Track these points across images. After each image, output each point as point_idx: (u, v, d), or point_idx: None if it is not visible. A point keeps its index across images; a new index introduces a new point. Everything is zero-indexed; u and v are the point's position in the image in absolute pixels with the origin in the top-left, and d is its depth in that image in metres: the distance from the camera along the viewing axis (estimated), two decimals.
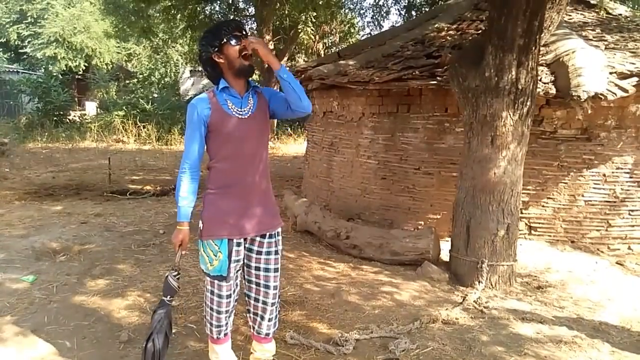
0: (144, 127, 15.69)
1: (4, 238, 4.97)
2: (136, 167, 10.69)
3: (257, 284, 2.51)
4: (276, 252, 2.52)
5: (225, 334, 2.57)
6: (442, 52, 5.30)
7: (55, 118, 17.58)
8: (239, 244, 2.42)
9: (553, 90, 4.58)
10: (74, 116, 18.97)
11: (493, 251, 4.04)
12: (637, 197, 5.01)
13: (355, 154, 6.02)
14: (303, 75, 6.24)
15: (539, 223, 5.14)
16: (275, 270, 2.51)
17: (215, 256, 2.38)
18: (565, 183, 5.02)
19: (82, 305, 3.47)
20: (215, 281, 2.43)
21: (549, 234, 5.12)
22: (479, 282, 4.00)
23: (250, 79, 2.45)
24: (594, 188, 5.00)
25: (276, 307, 2.58)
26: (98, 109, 20.25)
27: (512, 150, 3.95)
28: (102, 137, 15.23)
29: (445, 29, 6.28)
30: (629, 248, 5.06)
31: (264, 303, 2.53)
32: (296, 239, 5.35)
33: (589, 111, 4.49)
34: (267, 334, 2.59)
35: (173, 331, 2.73)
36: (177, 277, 2.49)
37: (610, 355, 3.06)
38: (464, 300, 3.79)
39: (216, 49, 2.31)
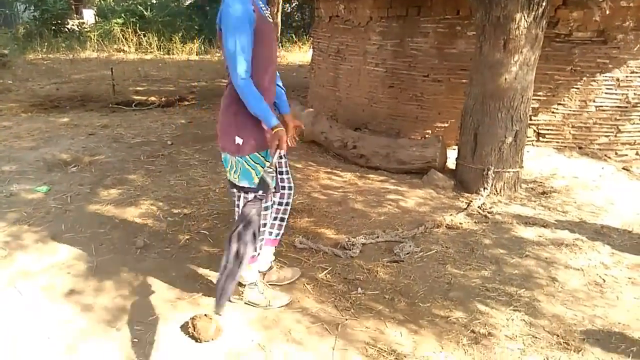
0: (144, 35, 15.23)
1: (15, 150, 5.02)
2: (139, 77, 10.51)
3: (282, 187, 2.58)
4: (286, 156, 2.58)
5: (261, 248, 2.57)
6: None
7: (53, 27, 17.01)
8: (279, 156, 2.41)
9: None
10: (73, 25, 18.35)
11: (500, 158, 4.05)
12: None
13: (363, 62, 5.86)
14: None
15: (548, 129, 5.09)
16: (289, 172, 2.62)
17: (261, 171, 2.30)
18: (577, 88, 4.91)
19: (96, 214, 3.58)
20: (266, 195, 2.38)
21: (557, 140, 5.10)
22: (484, 188, 4.05)
23: None
24: (606, 93, 4.89)
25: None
26: (96, 17, 19.53)
27: (525, 55, 3.82)
28: (102, 47, 14.85)
29: None
30: (637, 153, 5.05)
31: (286, 204, 2.64)
32: (303, 149, 5.37)
33: (607, 11, 4.29)
34: (277, 235, 2.71)
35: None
36: (272, 175, 2.35)
37: (610, 256, 3.17)
38: (468, 206, 3.86)
39: None
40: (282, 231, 2.71)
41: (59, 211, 3.61)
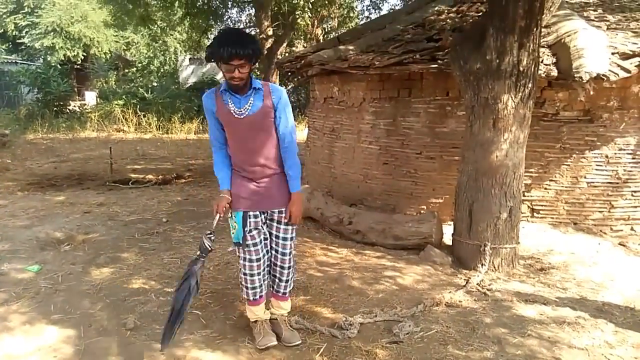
0: (144, 116, 15.67)
1: (8, 229, 4.99)
2: (137, 156, 10.69)
3: (276, 251, 2.86)
4: (293, 224, 2.84)
5: (261, 296, 2.88)
6: (443, 35, 5.25)
7: (55, 108, 17.54)
8: (255, 216, 2.75)
9: (555, 72, 4.55)
10: (74, 106, 18.92)
11: (496, 234, 4.05)
12: None
13: (357, 140, 6.01)
14: (303, 61, 6.20)
15: (542, 205, 5.14)
16: (291, 239, 2.87)
17: (233, 227, 2.76)
18: (567, 165, 5.01)
19: (87, 294, 3.50)
20: (239, 248, 2.78)
21: (552, 216, 5.13)
22: (482, 265, 4.01)
23: (253, 79, 2.64)
24: (596, 170, 4.99)
25: (292, 270, 2.93)
26: (98, 99, 20.15)
27: (514, 133, 3.93)
28: (102, 127, 15.22)
29: (446, 11, 6.21)
30: (632, 229, 5.06)
31: (281, 267, 2.88)
32: (299, 225, 5.35)
33: (591, 92, 4.47)
34: (284, 293, 2.95)
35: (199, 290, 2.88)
36: (211, 237, 2.71)
37: (614, 335, 3.08)
38: (467, 283, 3.80)
39: (215, 59, 2.50)
40: (281, 289, 2.93)
41: (49, 291, 3.53)
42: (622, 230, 5.06)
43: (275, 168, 2.78)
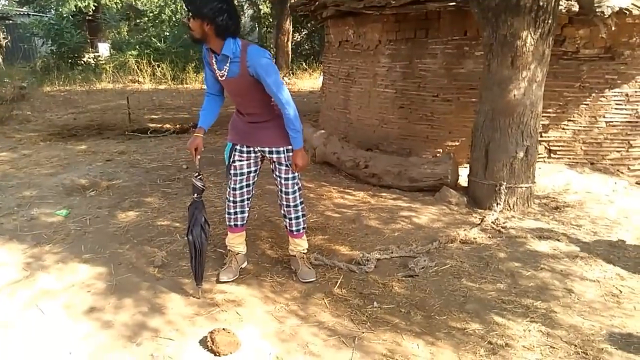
0: (158, 66, 15.58)
1: (34, 176, 5.15)
2: (154, 106, 10.74)
3: (279, 189, 3.01)
4: (286, 165, 2.91)
5: (236, 225, 3.07)
6: None
7: (70, 60, 17.51)
8: (240, 151, 2.93)
9: (576, 8, 4.42)
10: (88, 58, 18.86)
11: (511, 174, 4.08)
12: None
13: (372, 84, 5.97)
14: (317, 3, 6.09)
15: (559, 146, 5.12)
16: (286, 179, 2.94)
17: (225, 153, 2.99)
18: (586, 104, 4.95)
19: (115, 235, 3.65)
20: (228, 176, 3.00)
21: (569, 156, 5.12)
22: (497, 204, 4.06)
23: (231, 37, 2.61)
24: (616, 108, 4.92)
25: (297, 209, 3.02)
26: (111, 50, 20.06)
27: (533, 71, 3.88)
28: (117, 78, 15.21)
29: None
30: None
31: (286, 205, 3.01)
32: (315, 170, 5.43)
33: (613, 28, 4.36)
34: (293, 231, 3.06)
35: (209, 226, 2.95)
36: (199, 177, 2.78)
37: (626, 268, 3.15)
38: (482, 221, 3.87)
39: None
40: (290, 227, 3.06)
41: (79, 233, 3.70)
42: (639, 170, 5.03)
43: (267, 116, 2.85)
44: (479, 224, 3.83)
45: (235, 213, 3.05)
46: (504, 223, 3.85)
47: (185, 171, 5.40)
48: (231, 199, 3.02)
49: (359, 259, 3.19)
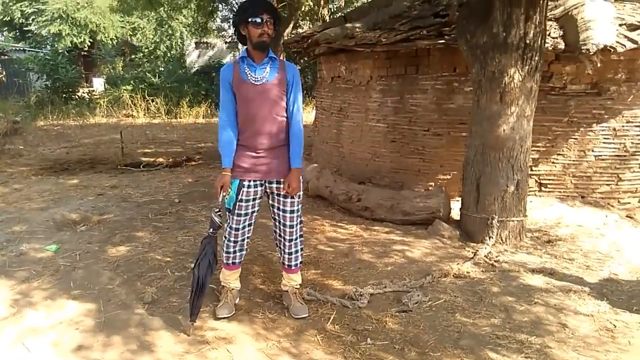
0: (152, 100, 15.73)
1: (25, 211, 5.11)
2: (147, 140, 10.79)
3: (278, 222, 3.00)
4: (292, 197, 2.92)
5: (234, 263, 3.04)
6: (450, 11, 5.24)
7: (64, 95, 17.66)
8: (249, 187, 2.88)
9: (562, 45, 4.54)
10: (83, 93, 19.02)
11: (503, 207, 4.10)
12: None
13: (365, 118, 6.04)
14: (309, 41, 6.21)
15: (549, 179, 5.17)
16: (291, 212, 2.94)
17: (228, 193, 2.86)
18: (575, 138, 5.03)
19: (105, 271, 3.60)
20: (230, 215, 2.92)
21: (559, 189, 5.16)
22: (490, 237, 4.07)
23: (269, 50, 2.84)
24: (604, 143, 5.00)
25: (296, 243, 3.02)
26: (106, 85, 20.26)
27: (521, 106, 3.96)
28: (111, 112, 15.32)
29: None
30: (639, 201, 5.08)
31: (284, 239, 3.00)
32: (308, 203, 5.44)
33: (599, 65, 4.47)
34: (290, 266, 3.05)
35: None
36: (219, 213, 2.84)
37: (619, 302, 3.14)
38: (474, 255, 3.87)
39: (242, 23, 2.75)
40: (286, 261, 3.05)
41: (68, 269, 3.65)
42: (629, 203, 5.08)
43: (279, 140, 2.89)
44: (472, 258, 3.82)
45: (234, 252, 3.02)
46: (496, 257, 3.85)
47: (177, 205, 5.38)
48: (232, 239, 2.98)
49: (352, 294, 3.16)
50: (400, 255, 3.94)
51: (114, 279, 3.47)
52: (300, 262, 3.09)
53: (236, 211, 2.89)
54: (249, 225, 3.01)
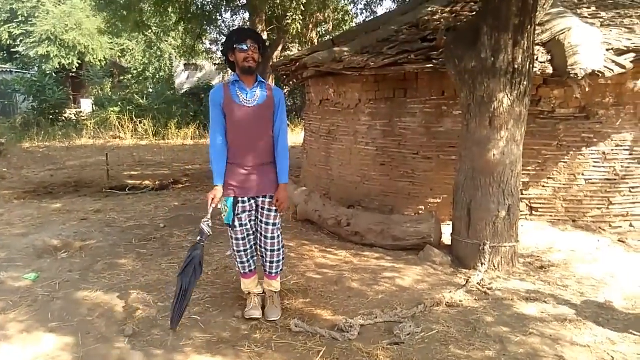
0: (140, 122, 15.64)
1: (5, 237, 4.95)
2: (134, 162, 10.66)
3: (260, 234, 3.20)
4: (275, 211, 3.15)
5: (250, 271, 3.27)
6: (437, 35, 5.25)
7: (51, 116, 17.50)
8: (243, 202, 3.10)
9: (550, 70, 4.55)
10: (70, 114, 18.87)
11: (495, 233, 4.03)
12: (637, 174, 5.01)
13: (353, 141, 6.00)
14: (298, 64, 6.19)
15: (540, 203, 5.13)
16: (274, 224, 3.16)
17: (224, 210, 3.09)
18: (564, 162, 5.01)
19: (85, 301, 3.46)
20: (229, 228, 3.15)
21: (550, 214, 5.12)
22: (482, 264, 3.99)
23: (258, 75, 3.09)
24: (594, 166, 4.99)
25: (278, 254, 3.21)
26: (93, 106, 20.14)
27: (511, 131, 3.93)
28: (98, 134, 15.19)
29: (440, 11, 6.20)
30: (631, 225, 5.06)
31: (265, 249, 3.20)
32: (297, 228, 5.34)
33: (587, 89, 4.47)
34: (271, 273, 3.27)
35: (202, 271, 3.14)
36: (209, 223, 3.04)
37: (616, 331, 3.07)
38: (467, 282, 3.79)
39: (230, 50, 2.99)
40: (267, 269, 3.25)
41: (46, 299, 3.50)
42: (621, 227, 5.05)
43: (267, 157, 3.12)
44: (465, 286, 3.73)
45: (248, 260, 3.24)
46: (489, 284, 3.77)
47: (162, 230, 5.25)
48: (241, 248, 3.18)
49: (342, 326, 3.05)
50: (391, 282, 3.84)
51: (94, 310, 3.33)
52: (281, 270, 3.32)
53: (236, 223, 3.11)
54: (252, 233, 3.21)
